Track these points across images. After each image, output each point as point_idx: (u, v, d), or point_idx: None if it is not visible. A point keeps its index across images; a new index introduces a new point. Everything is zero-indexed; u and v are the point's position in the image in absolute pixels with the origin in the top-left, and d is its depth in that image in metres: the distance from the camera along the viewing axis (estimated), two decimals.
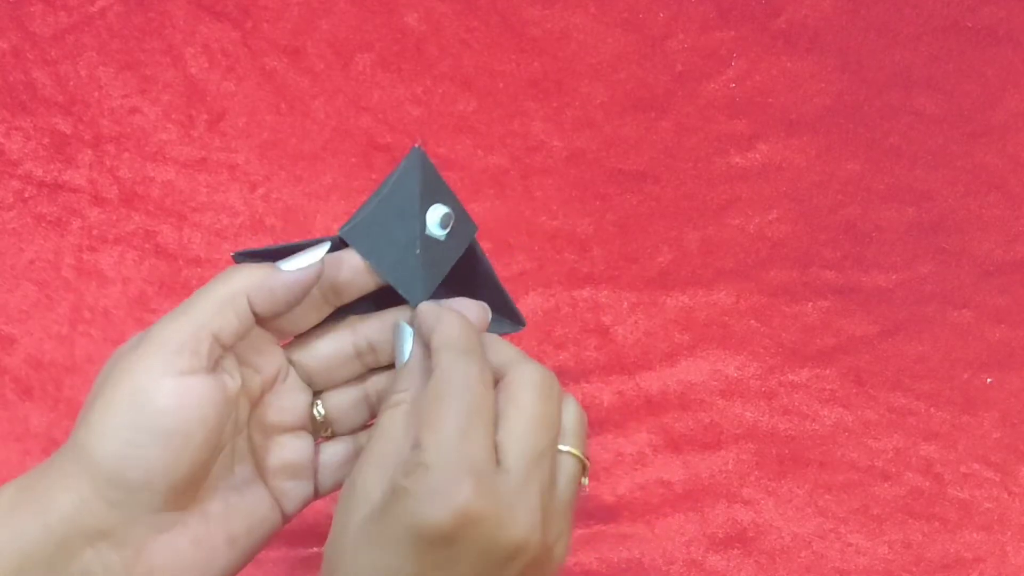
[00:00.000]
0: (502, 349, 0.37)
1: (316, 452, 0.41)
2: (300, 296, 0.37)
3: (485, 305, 0.40)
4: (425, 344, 0.37)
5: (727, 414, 0.63)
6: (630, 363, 0.64)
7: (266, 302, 0.36)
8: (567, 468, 0.35)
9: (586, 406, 0.63)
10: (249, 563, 0.38)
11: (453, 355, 0.35)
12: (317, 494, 0.42)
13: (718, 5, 0.71)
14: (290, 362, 0.39)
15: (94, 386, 0.35)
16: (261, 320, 0.37)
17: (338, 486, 0.42)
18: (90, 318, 0.63)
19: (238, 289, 0.35)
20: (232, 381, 0.36)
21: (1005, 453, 0.63)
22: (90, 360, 0.63)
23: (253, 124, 0.68)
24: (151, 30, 0.69)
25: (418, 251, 0.39)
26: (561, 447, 0.35)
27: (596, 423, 0.63)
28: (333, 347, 0.39)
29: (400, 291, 0.39)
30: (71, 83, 0.68)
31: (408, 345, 0.37)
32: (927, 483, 0.62)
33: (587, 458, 0.36)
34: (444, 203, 0.40)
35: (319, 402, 0.41)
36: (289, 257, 0.37)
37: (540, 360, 0.63)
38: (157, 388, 0.33)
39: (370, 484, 0.34)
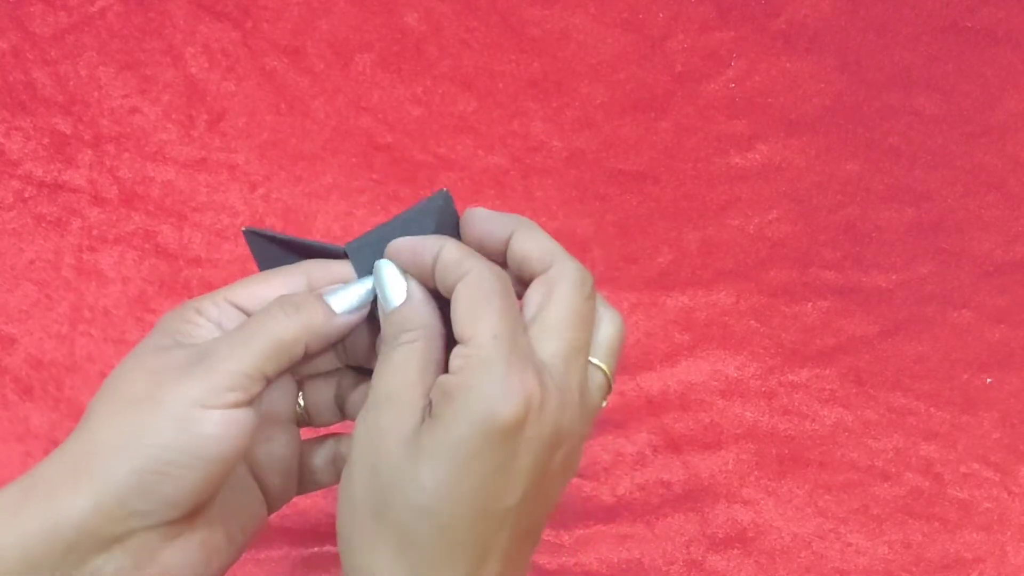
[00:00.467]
0: (544, 241, 0.37)
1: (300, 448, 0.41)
2: (346, 336, 0.38)
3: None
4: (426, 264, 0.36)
5: (727, 414, 0.63)
6: (630, 363, 0.64)
7: (319, 346, 0.37)
8: (595, 379, 0.36)
9: None
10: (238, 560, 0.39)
11: (477, 260, 0.35)
12: (299, 490, 0.42)
13: (718, 5, 0.71)
14: None
15: (120, 387, 0.35)
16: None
17: (320, 486, 0.42)
18: (90, 318, 0.63)
19: (300, 334, 0.36)
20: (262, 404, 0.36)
21: (1005, 453, 0.63)
22: (90, 360, 0.63)
23: (253, 124, 0.68)
24: (151, 30, 0.69)
25: None
26: (592, 359, 0.35)
27: (596, 423, 0.63)
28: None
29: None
30: (71, 83, 0.68)
31: (399, 284, 0.37)
32: (927, 483, 0.62)
33: (613, 378, 0.37)
34: None
35: (300, 394, 0.41)
36: (336, 291, 0.38)
37: None
38: (207, 417, 0.33)
39: (393, 422, 0.33)
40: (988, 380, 0.65)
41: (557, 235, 0.66)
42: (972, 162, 0.69)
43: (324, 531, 0.60)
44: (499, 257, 0.37)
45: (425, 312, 0.36)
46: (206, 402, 0.33)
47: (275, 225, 0.66)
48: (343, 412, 0.41)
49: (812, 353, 0.65)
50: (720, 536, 0.61)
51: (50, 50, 0.69)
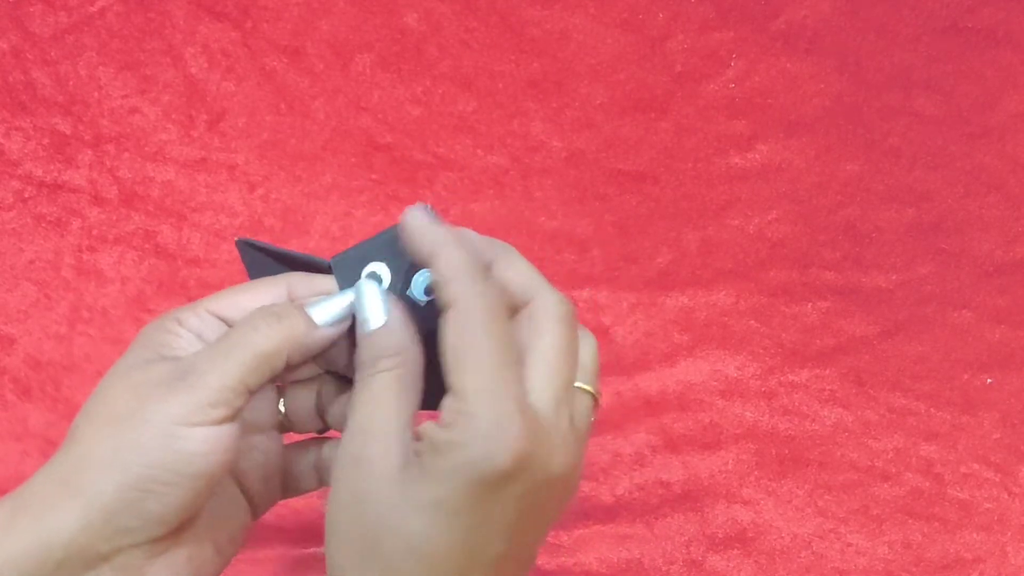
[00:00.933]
0: (522, 270, 0.36)
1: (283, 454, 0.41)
2: (327, 348, 0.38)
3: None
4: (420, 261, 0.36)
5: (727, 414, 0.63)
6: (629, 363, 0.64)
7: (301, 357, 0.37)
8: (583, 403, 0.36)
9: None
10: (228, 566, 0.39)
11: (469, 285, 0.34)
12: (282, 496, 0.42)
13: (717, 6, 0.71)
14: None
15: (104, 403, 0.34)
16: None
17: (303, 491, 0.42)
18: (89, 318, 0.63)
19: (281, 345, 0.35)
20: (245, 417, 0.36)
21: (1005, 453, 0.63)
22: (89, 360, 0.63)
23: (253, 124, 0.68)
24: (151, 30, 0.69)
25: None
26: (577, 384, 0.35)
27: (596, 423, 0.63)
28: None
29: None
30: (71, 83, 0.68)
31: (379, 305, 0.36)
32: (927, 483, 0.62)
33: (599, 393, 0.37)
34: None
35: (280, 401, 0.41)
36: (318, 303, 0.37)
37: None
38: (191, 435, 0.33)
39: (378, 454, 0.33)
40: (988, 380, 0.65)
41: (557, 235, 0.66)
42: (972, 163, 0.69)
43: (319, 531, 0.60)
44: None
45: (404, 337, 0.36)
46: (190, 419, 0.33)
47: (275, 225, 0.66)
48: (324, 420, 0.41)
49: (812, 353, 0.65)
50: (720, 536, 0.61)
51: (50, 50, 0.69)
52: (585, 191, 0.68)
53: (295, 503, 0.60)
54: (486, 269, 0.35)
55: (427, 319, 0.38)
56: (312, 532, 0.60)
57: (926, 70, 0.70)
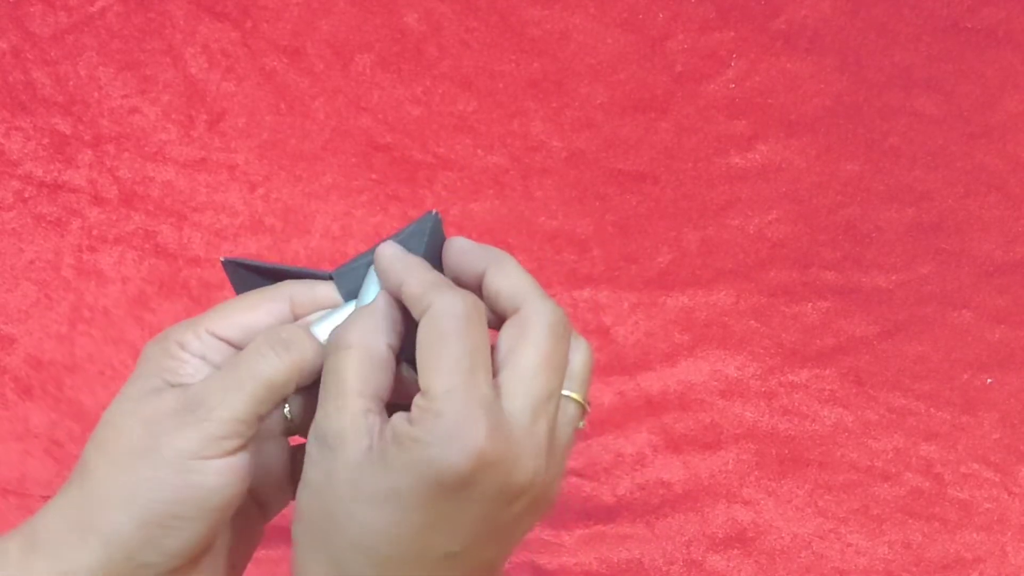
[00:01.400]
0: (517, 278, 0.36)
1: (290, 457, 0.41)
2: None
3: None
4: (393, 292, 0.36)
5: (727, 414, 0.63)
6: (630, 363, 0.64)
7: (310, 380, 0.36)
8: (568, 412, 0.35)
9: None
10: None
11: (441, 291, 0.34)
12: (293, 497, 0.42)
13: (717, 6, 0.71)
14: None
15: (116, 437, 0.34)
16: None
17: None
18: (90, 317, 0.63)
19: (291, 375, 0.35)
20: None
21: (1005, 453, 0.63)
22: (90, 359, 0.63)
23: (253, 124, 0.68)
24: (151, 30, 0.69)
25: None
26: (564, 391, 0.35)
27: (596, 423, 0.63)
28: None
29: None
30: (71, 83, 0.68)
31: (373, 288, 0.36)
32: (927, 483, 0.62)
33: (588, 402, 0.36)
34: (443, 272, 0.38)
35: (286, 404, 0.41)
36: (323, 319, 0.37)
37: None
38: (207, 467, 0.33)
39: (346, 437, 0.33)
40: (988, 380, 0.65)
41: (557, 235, 0.66)
42: (972, 162, 0.69)
43: None
44: (477, 291, 0.36)
45: (371, 324, 0.35)
46: (204, 452, 0.33)
47: (275, 225, 0.66)
48: None
49: (812, 353, 0.65)
50: (720, 536, 0.61)
51: (50, 50, 0.69)
52: (585, 191, 0.68)
53: None
54: (477, 280, 0.36)
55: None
56: None
57: (926, 70, 0.70)
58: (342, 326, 0.35)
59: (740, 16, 0.71)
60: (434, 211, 0.39)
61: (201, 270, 0.64)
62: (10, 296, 0.64)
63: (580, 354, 0.36)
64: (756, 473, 0.62)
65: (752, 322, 0.65)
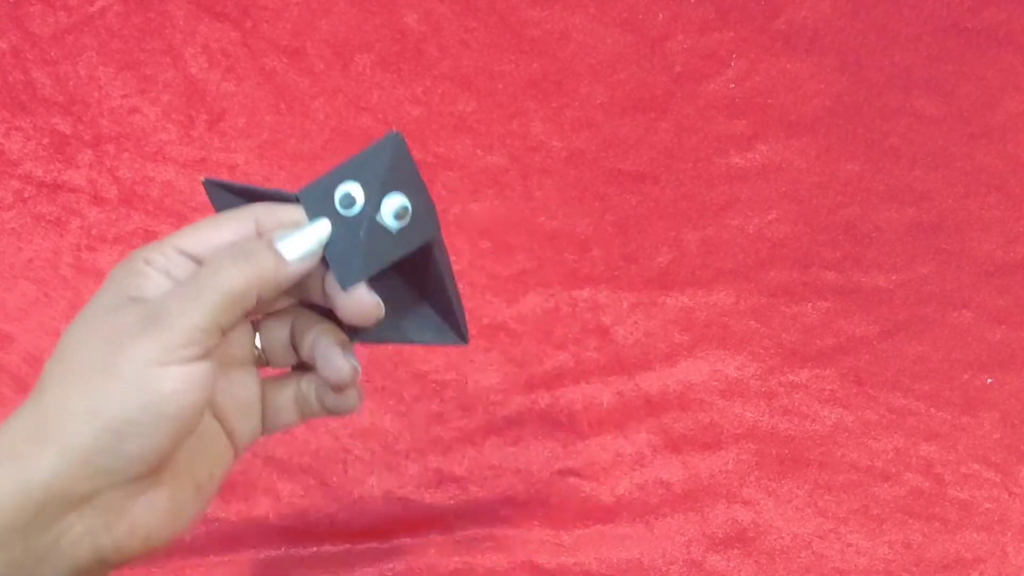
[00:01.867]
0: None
1: (261, 389, 0.41)
2: (299, 281, 0.37)
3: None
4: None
5: (727, 414, 0.63)
6: (630, 363, 0.64)
7: (272, 293, 0.37)
8: None
9: (586, 406, 0.63)
10: (210, 506, 0.38)
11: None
12: (263, 431, 0.41)
13: (717, 6, 0.71)
14: None
15: (75, 351, 0.34)
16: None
17: (284, 427, 0.42)
18: None
19: (251, 285, 0.35)
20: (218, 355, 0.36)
21: (1005, 453, 0.63)
22: None
23: (253, 124, 0.68)
24: (151, 30, 0.69)
25: (362, 234, 0.37)
26: None
27: (596, 423, 0.63)
28: None
29: (332, 269, 0.37)
30: (71, 83, 0.68)
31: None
32: (927, 483, 0.62)
33: None
34: (407, 194, 0.38)
35: (256, 336, 0.41)
36: (287, 236, 0.37)
37: (540, 361, 0.63)
38: (165, 374, 0.33)
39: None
40: (988, 380, 0.64)
41: (557, 235, 0.67)
42: (972, 163, 0.69)
43: (323, 531, 0.60)
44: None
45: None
46: (163, 359, 0.33)
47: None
48: (297, 352, 0.41)
49: (812, 353, 0.65)
50: (720, 536, 0.61)
51: (50, 50, 0.69)
52: (585, 191, 0.68)
53: (299, 504, 0.60)
54: None
55: (395, 246, 0.38)
56: (313, 533, 0.60)
57: (926, 70, 0.70)
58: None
59: (740, 16, 0.71)
60: (395, 131, 0.38)
61: None
62: (9, 295, 0.64)
63: None
64: (756, 473, 0.62)
65: (752, 322, 0.65)
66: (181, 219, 0.65)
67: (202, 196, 0.66)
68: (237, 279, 0.35)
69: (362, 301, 0.38)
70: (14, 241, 0.65)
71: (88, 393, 0.33)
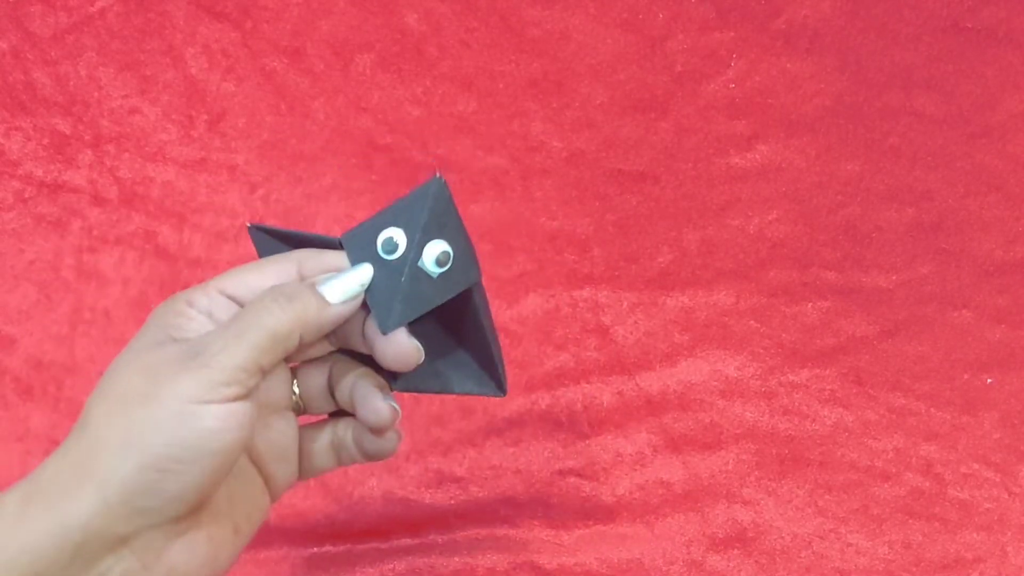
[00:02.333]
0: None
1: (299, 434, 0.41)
2: (340, 325, 0.38)
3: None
4: None
5: (727, 414, 0.63)
6: (630, 363, 0.64)
7: (314, 336, 0.37)
8: None
9: (586, 406, 0.63)
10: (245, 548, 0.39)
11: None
12: (300, 477, 0.42)
13: (717, 6, 0.71)
14: None
15: (117, 385, 0.34)
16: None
17: (320, 471, 0.42)
18: (90, 318, 0.63)
19: (294, 326, 0.36)
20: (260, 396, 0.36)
21: (1005, 453, 0.63)
22: (91, 360, 0.63)
23: (253, 124, 0.68)
24: (151, 30, 0.69)
25: (403, 279, 0.38)
26: None
27: (596, 423, 0.63)
28: None
29: (373, 312, 0.38)
30: (71, 83, 0.68)
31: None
32: (927, 483, 0.62)
33: None
34: (448, 240, 0.39)
35: (294, 382, 0.41)
36: (329, 280, 0.37)
37: (540, 361, 0.64)
38: (207, 412, 0.33)
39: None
40: (988, 380, 0.65)
41: (557, 235, 0.67)
42: (972, 162, 0.69)
43: (323, 532, 0.60)
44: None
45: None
46: (204, 397, 0.33)
47: (275, 226, 0.66)
48: (335, 398, 0.41)
49: (812, 353, 0.65)
50: (720, 536, 0.61)
51: (50, 50, 0.69)
52: (585, 191, 0.68)
53: (300, 505, 0.61)
54: None
55: (436, 291, 0.38)
56: (317, 533, 0.60)
57: (926, 70, 0.70)
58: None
59: (740, 16, 0.71)
60: (438, 176, 0.39)
61: (202, 271, 0.64)
62: (10, 297, 0.64)
63: None
64: (756, 473, 0.62)
65: (752, 322, 0.65)
66: (181, 220, 0.65)
67: (203, 196, 0.66)
68: (281, 320, 0.35)
69: (401, 345, 0.38)
70: (15, 243, 0.65)
71: (128, 424, 0.33)
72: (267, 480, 0.40)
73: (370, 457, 0.41)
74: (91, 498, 0.32)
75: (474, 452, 0.62)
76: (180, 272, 0.64)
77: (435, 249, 0.38)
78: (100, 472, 0.33)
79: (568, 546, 0.61)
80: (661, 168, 0.68)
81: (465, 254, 0.39)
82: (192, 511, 0.34)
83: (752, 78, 0.70)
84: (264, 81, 0.68)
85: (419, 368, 0.39)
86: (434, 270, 0.38)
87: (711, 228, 0.67)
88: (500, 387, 0.42)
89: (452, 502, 0.61)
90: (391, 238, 0.38)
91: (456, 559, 0.60)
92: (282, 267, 0.38)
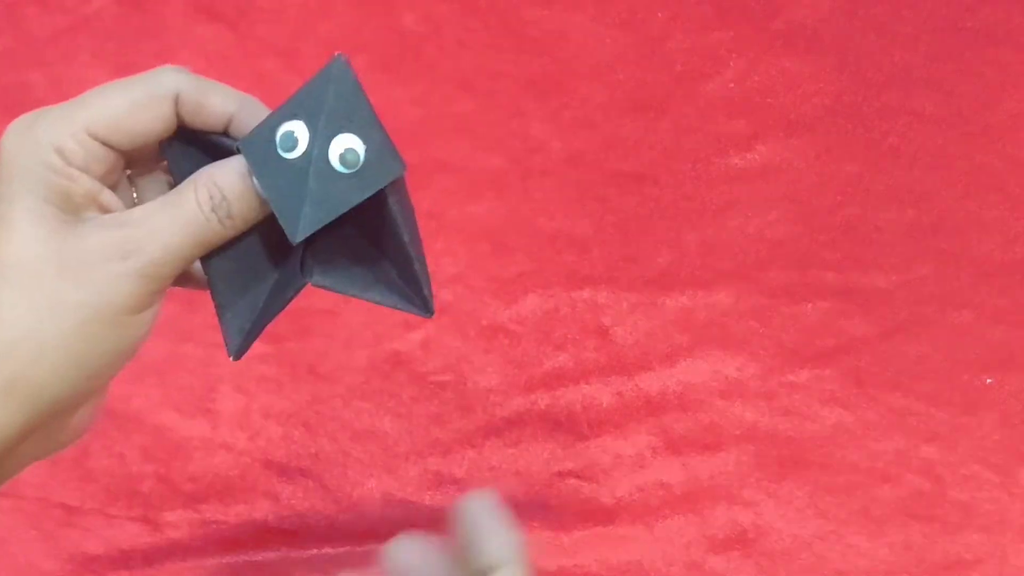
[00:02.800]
0: (500, 544, 0.33)
1: None
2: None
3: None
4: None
5: (727, 415, 0.63)
6: (630, 364, 0.64)
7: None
8: None
9: (586, 407, 0.63)
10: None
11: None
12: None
13: (717, 5, 0.71)
14: None
15: (28, 280, 0.32)
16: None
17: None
18: None
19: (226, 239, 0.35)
20: None
21: (1005, 454, 0.63)
22: None
23: None
24: (146, 31, 0.69)
25: (310, 180, 0.33)
26: None
27: (596, 424, 0.63)
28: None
29: (280, 220, 0.33)
30: (66, 85, 0.68)
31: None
32: (928, 484, 0.62)
33: None
34: (357, 132, 0.34)
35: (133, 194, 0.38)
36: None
37: (539, 362, 0.63)
38: (140, 320, 0.33)
39: None
40: (988, 381, 0.64)
41: (557, 235, 0.66)
42: (972, 162, 0.69)
43: (321, 533, 0.60)
44: None
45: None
46: (140, 305, 0.33)
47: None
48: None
49: (812, 354, 0.65)
50: (720, 538, 0.61)
51: (45, 52, 0.68)
52: (585, 192, 0.67)
53: (298, 507, 0.60)
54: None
55: (350, 190, 0.34)
56: (314, 534, 0.60)
57: (926, 70, 0.70)
58: None
59: (740, 16, 0.71)
60: (339, 54, 0.35)
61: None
62: None
63: None
64: (756, 474, 0.62)
65: (752, 322, 0.65)
66: None
67: None
68: (219, 235, 0.34)
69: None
70: None
71: (59, 333, 0.32)
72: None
73: None
74: (17, 413, 0.31)
75: (473, 453, 0.62)
76: None
77: (340, 145, 0.34)
78: (31, 384, 0.31)
79: (568, 548, 0.61)
80: (661, 169, 0.68)
81: (381, 147, 0.35)
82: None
83: (751, 78, 0.70)
84: (259, 82, 0.68)
85: (341, 269, 0.36)
86: (342, 169, 0.34)
87: (711, 228, 0.67)
88: (426, 307, 0.37)
89: (452, 503, 0.61)
90: (290, 132, 0.34)
91: None
92: (153, 100, 0.35)
